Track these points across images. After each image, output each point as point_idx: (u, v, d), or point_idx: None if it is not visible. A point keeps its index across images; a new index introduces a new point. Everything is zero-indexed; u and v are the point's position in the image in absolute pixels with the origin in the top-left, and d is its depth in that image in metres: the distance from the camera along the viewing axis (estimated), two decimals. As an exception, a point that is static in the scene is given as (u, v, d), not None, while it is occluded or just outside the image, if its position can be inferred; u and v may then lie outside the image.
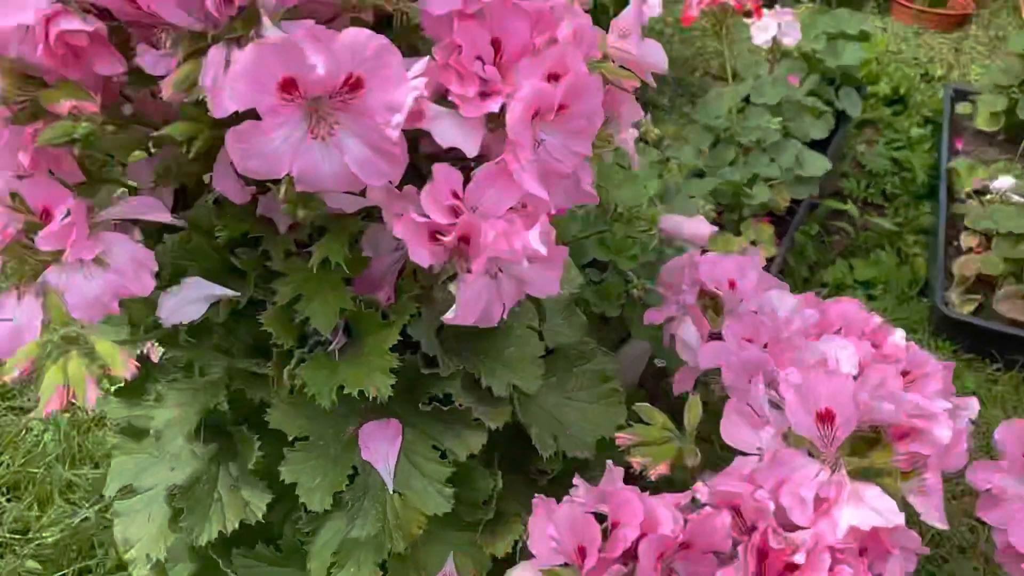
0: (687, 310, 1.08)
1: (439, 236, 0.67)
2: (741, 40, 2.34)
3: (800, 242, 2.27)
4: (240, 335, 0.84)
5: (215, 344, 0.81)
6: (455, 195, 0.66)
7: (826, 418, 0.74)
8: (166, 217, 0.69)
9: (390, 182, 0.64)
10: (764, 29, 1.89)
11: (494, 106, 0.65)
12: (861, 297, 2.28)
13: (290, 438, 0.80)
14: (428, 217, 0.65)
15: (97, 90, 0.60)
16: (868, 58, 2.29)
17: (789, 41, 1.90)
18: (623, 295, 1.36)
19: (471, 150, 0.66)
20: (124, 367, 0.62)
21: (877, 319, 1.03)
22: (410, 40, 0.72)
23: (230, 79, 0.56)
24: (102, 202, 0.68)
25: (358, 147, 0.61)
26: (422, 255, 0.66)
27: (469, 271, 0.68)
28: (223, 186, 0.73)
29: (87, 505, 1.51)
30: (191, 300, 0.76)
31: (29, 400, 1.70)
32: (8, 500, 1.52)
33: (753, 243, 2.10)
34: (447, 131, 0.66)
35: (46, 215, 0.63)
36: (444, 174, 0.65)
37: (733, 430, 0.78)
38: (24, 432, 1.64)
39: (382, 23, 0.69)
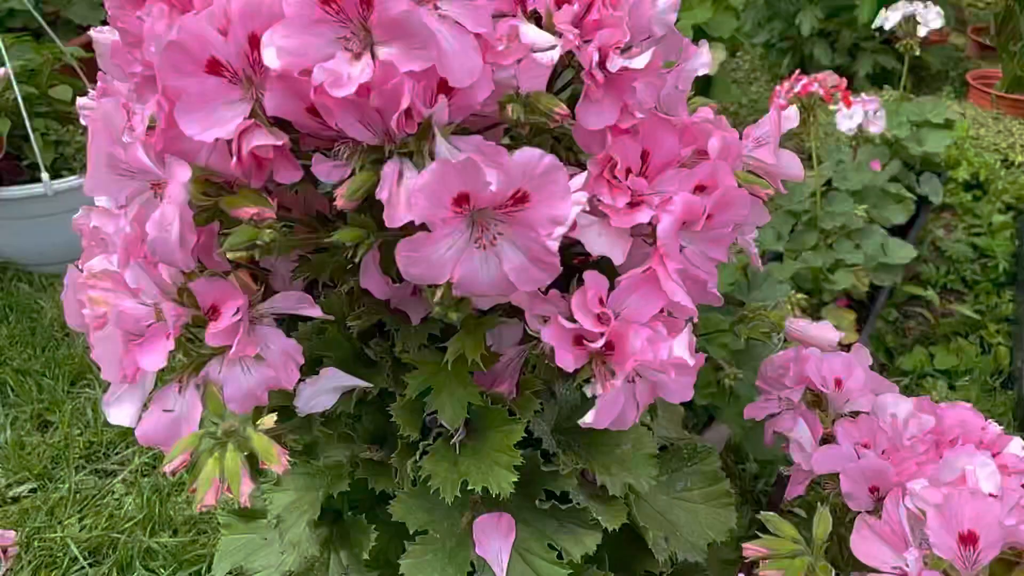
0: (794, 408, 1.07)
1: (584, 341, 0.67)
2: (821, 124, 2.35)
3: (878, 328, 2.23)
4: (364, 423, 0.85)
5: (341, 432, 0.82)
6: (601, 301, 0.67)
7: (969, 540, 0.72)
8: (316, 312, 0.72)
9: (537, 287, 0.66)
10: (850, 117, 1.90)
11: (643, 217, 0.66)
12: (942, 387, 2.22)
13: (411, 531, 0.80)
14: (576, 323, 0.66)
15: (273, 196, 0.63)
16: (952, 145, 2.28)
17: (875, 129, 1.90)
18: (713, 383, 1.35)
19: (619, 258, 0.67)
20: (279, 461, 0.63)
21: (995, 427, 1.00)
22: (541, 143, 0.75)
23: (412, 193, 0.58)
24: (255, 297, 0.71)
25: (517, 256, 0.63)
26: (567, 360, 0.67)
27: (610, 376, 0.69)
28: (368, 283, 0.75)
29: (165, 574, 1.52)
30: (326, 390, 0.78)
31: (113, 463, 1.74)
32: (90, 564, 1.54)
33: (819, 318, 2.06)
34: (596, 240, 0.67)
35: (213, 311, 0.65)
36: (594, 281, 0.66)
37: (865, 546, 0.76)
38: (107, 495, 1.67)
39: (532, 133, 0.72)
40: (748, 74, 3.55)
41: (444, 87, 0.62)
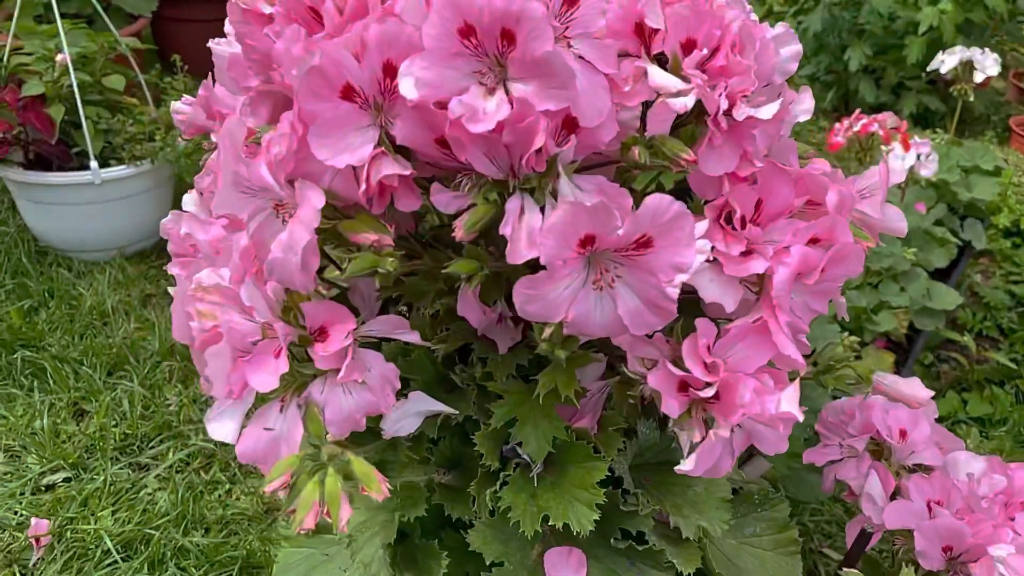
0: (857, 456, 1.06)
1: (690, 388, 0.67)
2: (867, 164, 2.34)
3: (914, 371, 2.22)
4: (441, 448, 0.85)
5: (422, 456, 0.82)
6: (708, 349, 0.67)
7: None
8: (414, 338, 0.71)
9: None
10: (902, 159, 1.89)
11: (758, 267, 0.66)
12: (975, 435, 2.20)
13: (488, 562, 0.80)
14: (685, 370, 0.66)
15: (391, 223, 0.63)
16: (1002, 193, 2.26)
17: (926, 172, 1.89)
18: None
19: (730, 306, 0.67)
20: (379, 489, 0.63)
21: (1065, 491, 0.99)
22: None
23: (540, 233, 0.57)
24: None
25: (633, 299, 0.63)
26: (672, 407, 0.66)
27: (709, 423, 0.68)
28: (465, 310, 0.75)
29: (197, 574, 1.51)
30: (411, 413, 0.78)
31: (147, 457, 1.73)
32: (123, 559, 1.53)
33: (858, 357, 2.05)
34: (708, 286, 0.66)
35: (321, 332, 0.65)
36: (705, 329, 0.66)
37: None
38: (141, 490, 1.67)
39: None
40: (788, 104, 3.54)
41: (569, 125, 0.62)
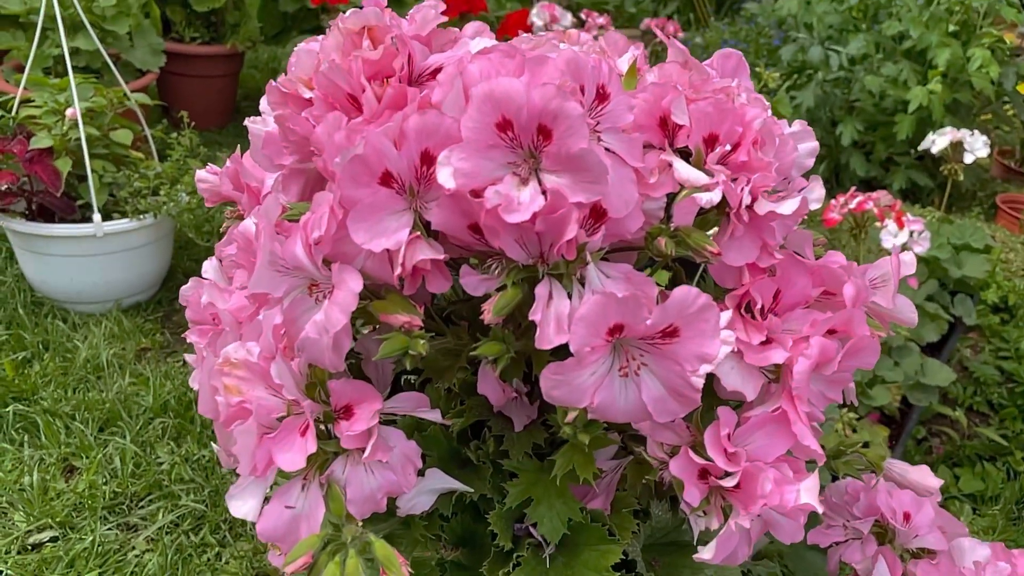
0: (862, 539, 1.06)
1: (710, 476, 0.67)
2: (861, 240, 2.39)
3: (906, 445, 2.22)
4: (453, 525, 0.84)
5: (434, 533, 0.81)
6: (729, 437, 0.68)
7: None
8: (435, 416, 0.72)
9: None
10: (895, 235, 1.93)
11: (778, 357, 0.67)
12: (968, 511, 2.20)
13: (498, 645, 0.79)
14: (706, 458, 0.66)
15: (420, 304, 0.64)
16: (991, 271, 2.31)
17: (919, 249, 1.93)
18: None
19: (751, 394, 0.68)
20: (400, 571, 0.62)
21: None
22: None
23: (571, 321, 0.59)
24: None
25: (657, 387, 0.64)
26: (693, 494, 0.67)
27: (728, 511, 0.68)
28: (486, 390, 0.75)
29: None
30: (426, 491, 0.78)
31: (136, 516, 1.70)
32: (109, 621, 1.50)
33: (866, 444, 2.06)
34: (729, 374, 0.68)
35: (346, 411, 0.65)
36: (727, 418, 0.67)
37: None
38: (129, 551, 1.63)
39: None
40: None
41: (597, 214, 0.64)
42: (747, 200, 0.66)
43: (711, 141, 0.68)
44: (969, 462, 2.34)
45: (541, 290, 0.62)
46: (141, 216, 2.21)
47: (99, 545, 1.61)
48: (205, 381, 0.68)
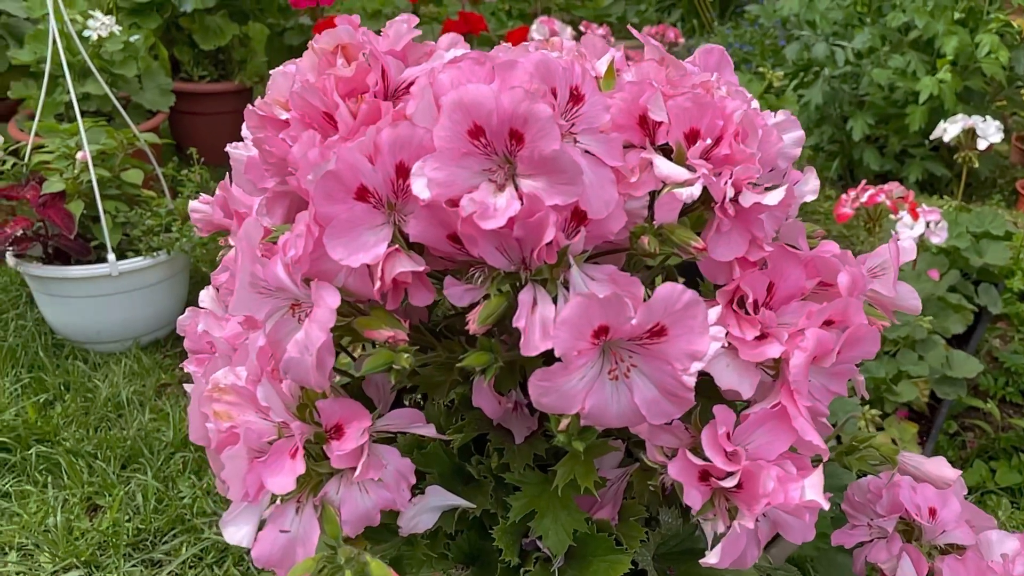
0: (887, 537, 1.03)
1: (711, 478, 0.66)
2: (875, 234, 2.35)
3: (938, 441, 2.17)
4: (459, 542, 0.83)
5: (439, 552, 0.80)
6: (728, 436, 0.66)
7: None
8: (430, 431, 0.71)
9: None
10: (911, 227, 1.89)
11: (774, 352, 0.65)
12: (1006, 505, 2.14)
13: (509, 662, 0.77)
14: (705, 459, 0.65)
15: (405, 318, 0.64)
16: (1013, 257, 2.26)
17: (937, 240, 1.90)
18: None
19: (747, 392, 0.66)
20: (397, 593, 0.61)
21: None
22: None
23: (553, 326, 0.58)
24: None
25: (649, 389, 0.62)
26: (695, 497, 0.65)
27: (732, 513, 0.66)
28: (481, 402, 0.74)
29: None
30: (428, 509, 0.76)
31: (160, 552, 1.70)
32: (136, 657, 1.49)
33: (894, 441, 2.01)
34: (724, 371, 0.66)
35: (337, 430, 0.65)
36: (724, 416, 0.65)
37: None
38: (155, 583, 1.64)
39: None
40: (793, 175, 3.58)
41: (578, 216, 0.63)
42: (731, 193, 0.64)
43: (692, 136, 0.67)
44: (1005, 455, 2.28)
45: (525, 296, 0.61)
46: (155, 253, 2.24)
47: (124, 582, 1.62)
48: (195, 408, 0.67)
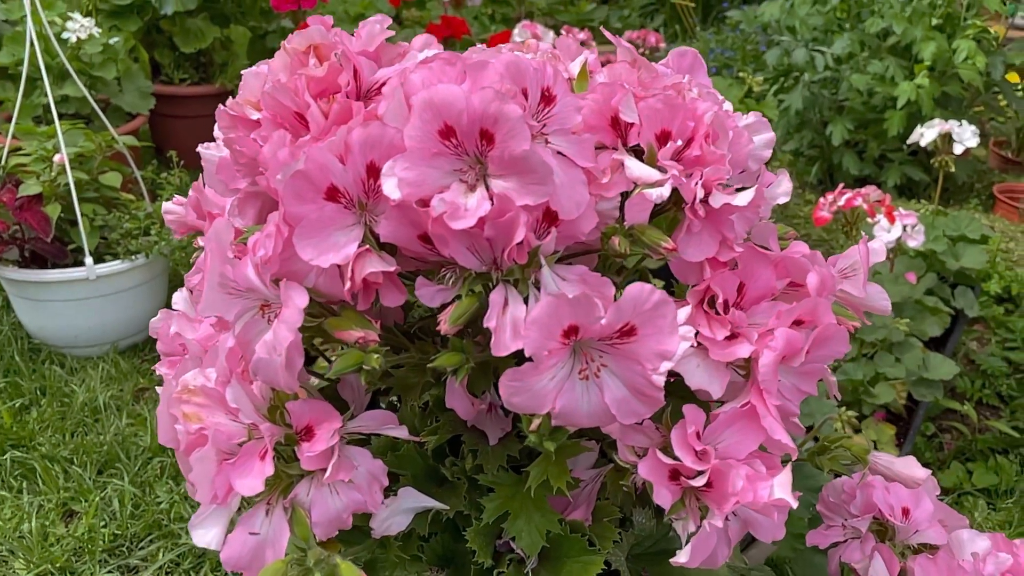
0: (861, 537, 1.04)
1: (681, 477, 0.66)
2: (854, 237, 2.37)
3: (916, 442, 2.19)
4: (432, 544, 0.83)
5: (413, 554, 0.80)
6: (698, 436, 0.66)
7: None
8: (402, 433, 0.70)
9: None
10: (888, 231, 1.91)
11: (743, 352, 0.66)
12: (983, 506, 2.16)
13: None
14: (675, 458, 0.65)
15: (377, 317, 0.63)
16: (990, 261, 2.28)
17: (914, 243, 1.91)
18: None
19: (717, 392, 0.67)
20: (367, 594, 0.61)
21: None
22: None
23: (524, 325, 0.58)
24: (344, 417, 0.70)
25: (619, 388, 0.62)
26: (664, 497, 0.65)
27: (703, 512, 0.67)
28: (454, 404, 0.74)
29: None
30: (401, 511, 0.76)
31: (137, 558, 1.69)
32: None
33: (875, 443, 2.03)
34: (694, 372, 0.66)
35: (307, 432, 0.64)
36: (693, 416, 0.65)
37: None
38: (131, 589, 1.62)
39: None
40: (774, 180, 3.60)
41: (550, 217, 0.63)
42: (701, 194, 0.65)
43: (663, 137, 0.67)
44: (982, 456, 2.30)
45: (496, 296, 0.61)
46: (133, 257, 2.22)
47: (100, 589, 1.60)
48: (164, 410, 0.67)
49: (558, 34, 3.38)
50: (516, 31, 3.20)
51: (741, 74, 3.02)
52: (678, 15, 4.66)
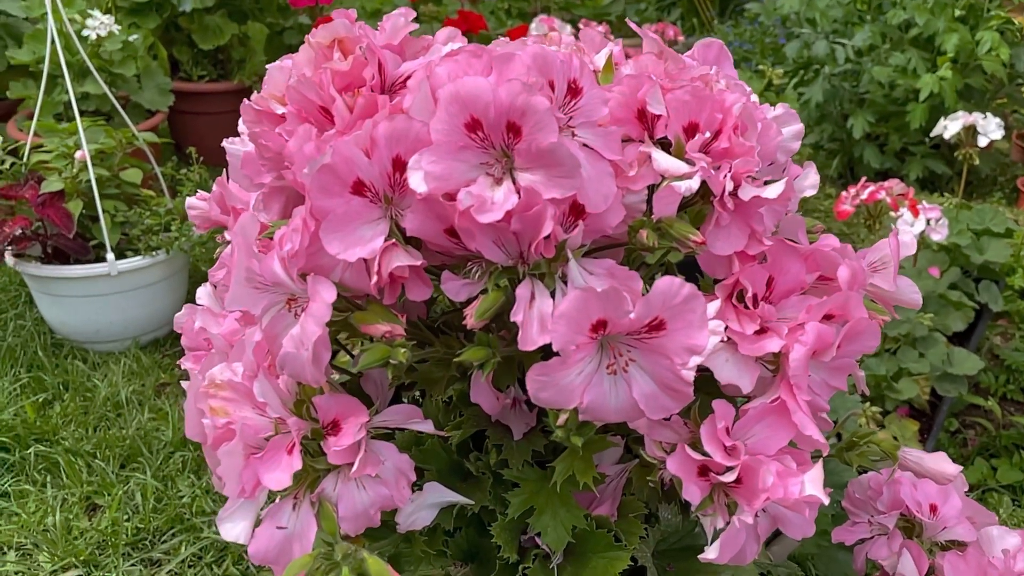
0: (887, 534, 1.03)
1: (710, 472, 0.65)
2: (876, 231, 2.35)
3: (939, 438, 2.17)
4: (457, 539, 0.82)
5: (438, 549, 0.80)
6: (727, 431, 0.65)
7: None
8: (428, 427, 0.70)
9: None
10: (912, 224, 1.89)
11: (773, 346, 0.65)
12: (1007, 503, 2.13)
13: (508, 660, 0.77)
14: (704, 454, 0.64)
15: (401, 311, 0.63)
16: (1014, 254, 2.25)
17: (938, 237, 1.89)
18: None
19: (747, 386, 0.66)
20: (394, 589, 0.61)
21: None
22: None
23: (552, 319, 0.57)
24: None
25: (648, 383, 0.62)
26: (694, 493, 0.64)
27: (732, 508, 0.66)
28: (479, 398, 0.74)
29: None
30: (426, 505, 0.76)
31: (159, 552, 1.70)
32: (135, 657, 1.49)
33: (895, 439, 2.01)
34: (724, 366, 0.66)
35: (334, 426, 0.64)
36: (723, 411, 0.65)
37: None
38: (155, 583, 1.63)
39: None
40: (793, 173, 3.57)
41: (576, 210, 0.62)
42: (730, 187, 0.64)
43: (691, 129, 0.67)
44: (1006, 452, 2.27)
45: (522, 291, 0.61)
46: (154, 253, 2.23)
47: (123, 582, 1.61)
48: (192, 404, 0.67)
49: (575, 28, 3.36)
50: (533, 25, 3.19)
51: (760, 67, 2.99)
52: (695, 8, 4.62)
